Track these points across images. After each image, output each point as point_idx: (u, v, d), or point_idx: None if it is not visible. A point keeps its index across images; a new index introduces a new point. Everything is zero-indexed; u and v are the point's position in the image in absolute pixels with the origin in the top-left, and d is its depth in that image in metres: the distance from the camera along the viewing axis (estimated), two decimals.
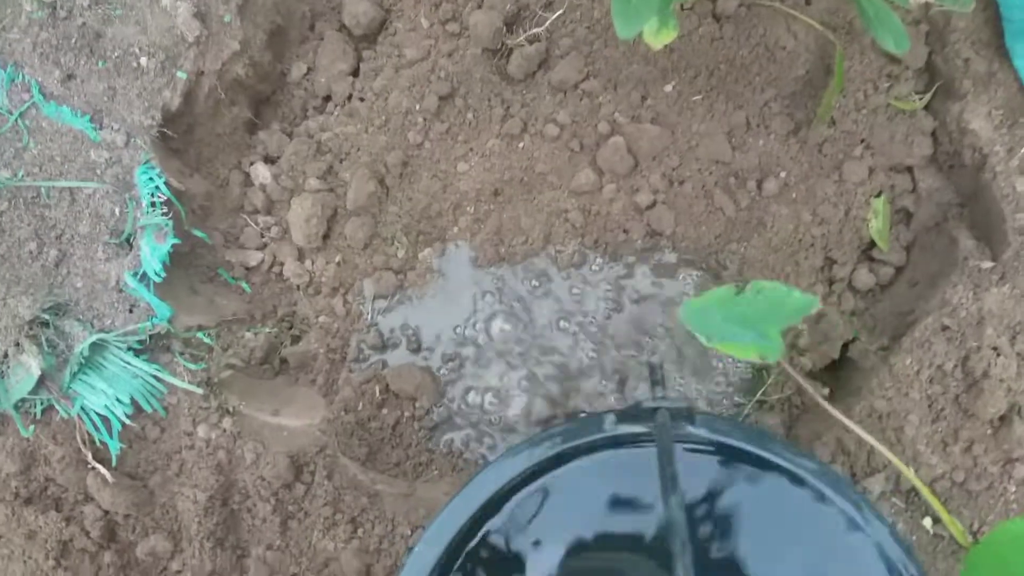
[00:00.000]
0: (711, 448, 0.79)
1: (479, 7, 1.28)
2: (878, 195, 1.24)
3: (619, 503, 0.75)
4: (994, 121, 1.15)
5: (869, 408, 1.13)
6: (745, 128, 1.24)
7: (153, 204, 1.10)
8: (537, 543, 0.73)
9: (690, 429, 0.80)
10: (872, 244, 1.26)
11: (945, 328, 1.13)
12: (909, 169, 1.25)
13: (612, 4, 0.91)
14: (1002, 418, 1.10)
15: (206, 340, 1.13)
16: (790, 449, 0.78)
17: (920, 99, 1.22)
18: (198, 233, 1.20)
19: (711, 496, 0.76)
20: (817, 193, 1.24)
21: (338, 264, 1.28)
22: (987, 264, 1.14)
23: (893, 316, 1.23)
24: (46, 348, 1.03)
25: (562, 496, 0.75)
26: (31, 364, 1.01)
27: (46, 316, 1.04)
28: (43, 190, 1.09)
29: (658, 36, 1.00)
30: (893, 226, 1.27)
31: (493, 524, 0.74)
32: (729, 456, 0.79)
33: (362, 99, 1.31)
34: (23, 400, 1.02)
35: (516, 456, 0.76)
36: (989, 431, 1.11)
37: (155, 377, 1.07)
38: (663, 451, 0.71)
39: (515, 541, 0.73)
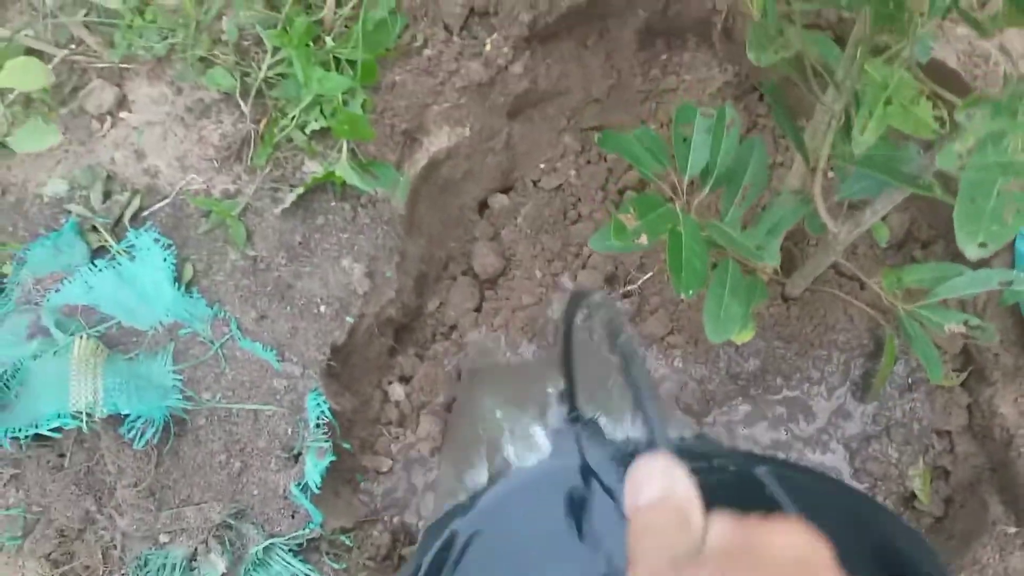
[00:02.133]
0: None
1: (583, 267, 1.56)
2: (922, 458, 1.45)
3: None
4: (1020, 407, 1.36)
5: None
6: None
7: (318, 425, 1.35)
8: None
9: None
10: (914, 495, 1.46)
11: None
12: (948, 433, 1.46)
13: (705, 319, 1.16)
14: None
15: (346, 541, 1.36)
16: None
17: (956, 377, 1.44)
18: (345, 444, 1.44)
19: None
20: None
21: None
22: (1012, 529, 1.33)
23: None
24: (228, 547, 1.26)
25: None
26: (218, 563, 1.24)
27: (230, 520, 1.28)
28: (234, 410, 1.35)
29: (740, 336, 1.25)
30: (933, 480, 1.46)
31: None
32: None
33: (482, 332, 1.57)
34: None
35: None
36: None
37: (308, 575, 1.29)
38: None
39: None
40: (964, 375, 1.44)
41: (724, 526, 0.37)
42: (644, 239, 1.02)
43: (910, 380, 1.46)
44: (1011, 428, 1.37)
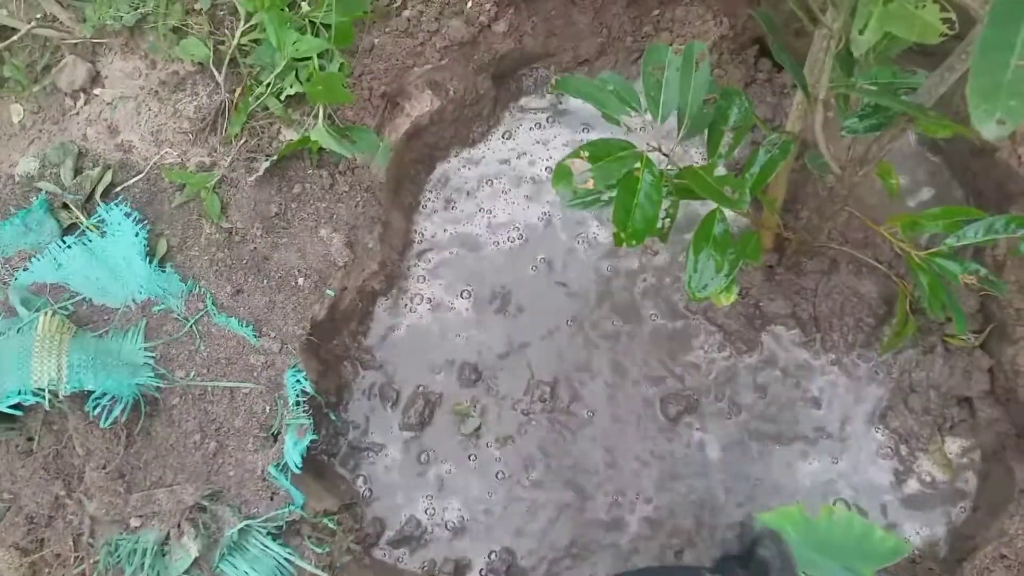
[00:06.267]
0: None
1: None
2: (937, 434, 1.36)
3: None
4: None
5: None
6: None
7: (297, 403, 1.28)
8: None
9: None
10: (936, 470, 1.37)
11: (1003, 557, 1.22)
12: (968, 400, 1.37)
13: (685, 273, 1.08)
14: None
15: (330, 524, 1.28)
16: None
17: (976, 338, 1.35)
18: (332, 416, 1.38)
19: None
20: None
21: None
22: None
23: (957, 538, 1.32)
24: (202, 531, 1.19)
25: None
26: (190, 546, 1.17)
27: (204, 502, 1.21)
28: (209, 388, 1.29)
29: (720, 297, 1.16)
30: (953, 453, 1.37)
31: None
32: None
33: None
34: None
35: None
36: None
37: (287, 560, 1.22)
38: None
39: None
40: (983, 335, 1.35)
41: None
42: (591, 183, 0.94)
43: (924, 345, 1.37)
44: None
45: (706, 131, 1.14)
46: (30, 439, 1.27)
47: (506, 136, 1.57)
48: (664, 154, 1.04)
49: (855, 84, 0.97)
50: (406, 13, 1.44)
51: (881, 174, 1.17)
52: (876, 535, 1.08)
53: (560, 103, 1.57)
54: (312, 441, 1.27)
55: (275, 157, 1.36)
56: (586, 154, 0.97)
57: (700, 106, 1.05)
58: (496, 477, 1.40)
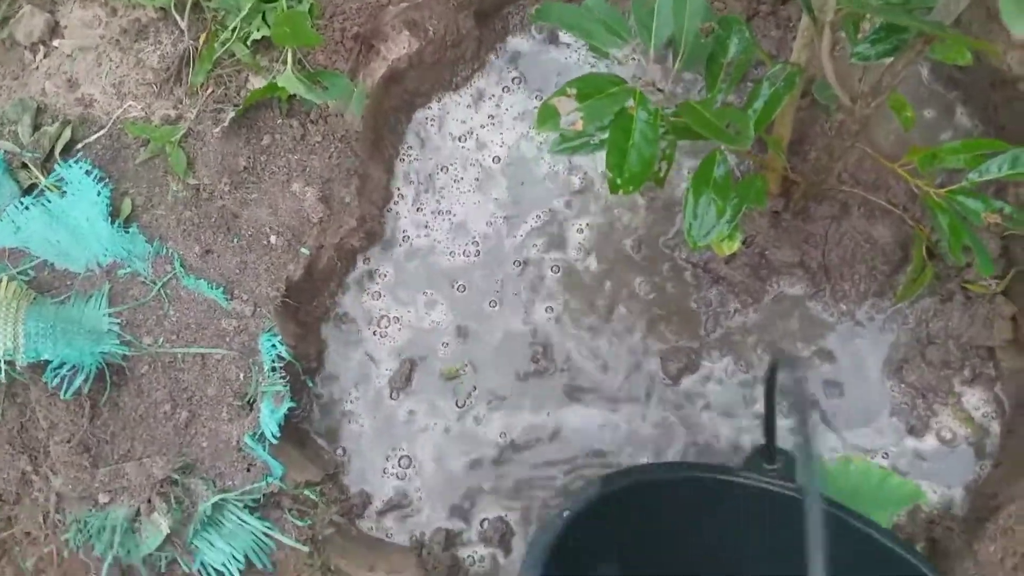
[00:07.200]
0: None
1: None
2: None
3: None
4: None
5: None
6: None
7: (273, 369, 1.20)
8: None
9: None
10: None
11: None
12: (990, 350, 1.28)
13: (684, 219, 1.00)
14: None
15: (312, 496, 1.22)
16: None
17: (997, 285, 1.26)
18: (310, 383, 1.30)
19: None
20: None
21: None
22: None
23: (978, 496, 1.24)
24: (174, 505, 1.13)
25: None
26: (161, 522, 1.10)
27: (175, 475, 1.14)
28: (179, 355, 1.21)
29: (722, 246, 1.08)
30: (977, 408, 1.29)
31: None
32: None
33: None
34: (150, 555, 1.11)
35: None
36: None
37: (266, 534, 1.16)
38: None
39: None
40: (1006, 281, 1.26)
41: None
42: (579, 124, 0.85)
43: (942, 293, 1.28)
44: None
45: (704, 66, 1.04)
46: None
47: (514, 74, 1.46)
48: (659, 89, 0.95)
49: (866, 3, 0.87)
50: None
51: (895, 106, 1.07)
52: (893, 481, 1.04)
53: (555, 41, 1.46)
54: (290, 409, 1.20)
55: (241, 107, 1.27)
56: (573, 91, 0.88)
57: (696, 34, 0.96)
58: (488, 441, 1.33)
